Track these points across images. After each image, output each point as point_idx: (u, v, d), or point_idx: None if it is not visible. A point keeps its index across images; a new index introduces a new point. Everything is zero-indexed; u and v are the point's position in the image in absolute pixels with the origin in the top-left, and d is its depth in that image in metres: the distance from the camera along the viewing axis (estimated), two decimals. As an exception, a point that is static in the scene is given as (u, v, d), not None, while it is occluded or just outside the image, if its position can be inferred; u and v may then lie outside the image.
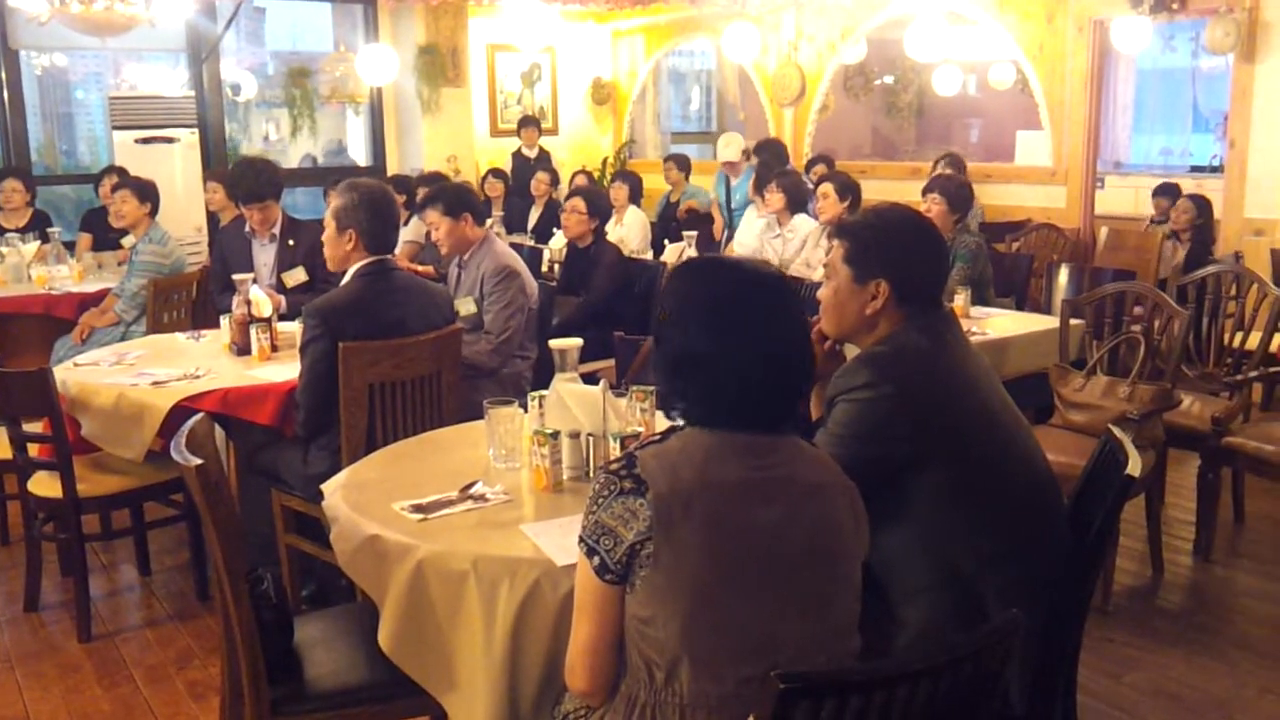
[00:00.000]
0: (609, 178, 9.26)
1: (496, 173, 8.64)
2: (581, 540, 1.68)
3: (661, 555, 1.61)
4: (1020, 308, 5.36)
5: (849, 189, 5.63)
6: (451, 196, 4.28)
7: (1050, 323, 4.48)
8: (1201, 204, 6.62)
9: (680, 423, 1.75)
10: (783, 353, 1.73)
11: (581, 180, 8.28)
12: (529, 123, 9.62)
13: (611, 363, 4.37)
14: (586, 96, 10.87)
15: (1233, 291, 4.81)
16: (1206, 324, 4.79)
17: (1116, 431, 2.27)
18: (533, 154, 9.39)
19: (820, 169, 7.91)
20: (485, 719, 1.98)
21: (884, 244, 2.22)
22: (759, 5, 8.62)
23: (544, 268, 6.42)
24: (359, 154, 10.08)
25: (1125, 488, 2.10)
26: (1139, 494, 3.80)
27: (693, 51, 12.68)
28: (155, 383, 3.56)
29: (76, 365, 3.91)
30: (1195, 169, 10.06)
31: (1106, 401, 3.74)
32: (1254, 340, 4.57)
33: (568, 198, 6.09)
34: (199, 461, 2.08)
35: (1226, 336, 4.74)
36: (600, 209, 5.69)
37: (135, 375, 3.67)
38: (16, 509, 4.03)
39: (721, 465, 1.66)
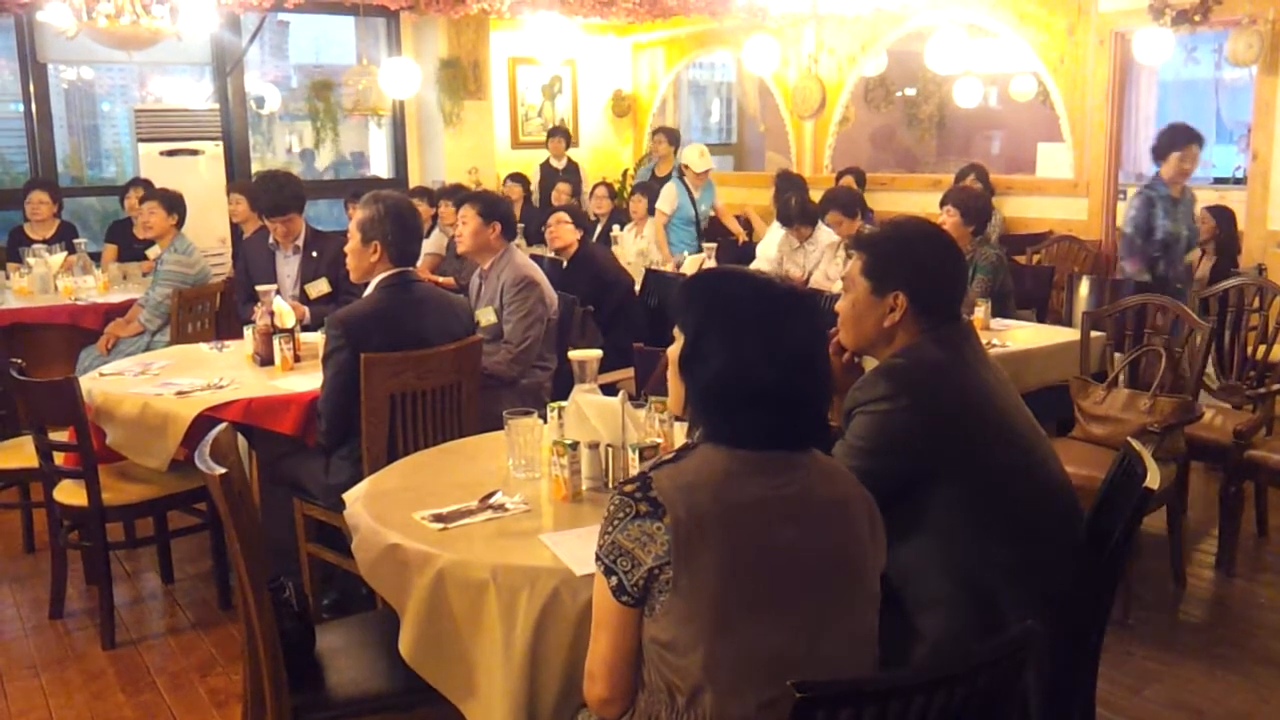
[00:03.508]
0: (629, 190, 9.29)
1: (516, 177, 8.68)
2: (598, 559, 1.68)
3: (681, 581, 1.61)
4: (1041, 320, 5.35)
5: (856, 206, 5.71)
6: (491, 202, 4.35)
7: (1071, 335, 4.47)
8: (1222, 215, 6.59)
9: (695, 439, 1.74)
10: (803, 367, 1.70)
11: (602, 191, 8.31)
12: (557, 133, 9.56)
13: (631, 373, 4.39)
14: (607, 109, 10.91)
15: (1255, 304, 4.79)
16: (1229, 337, 4.77)
17: (1135, 444, 2.27)
18: (561, 165, 9.38)
19: (849, 180, 7.92)
20: (504, 727, 2.00)
21: (902, 257, 2.23)
22: (779, 18, 8.64)
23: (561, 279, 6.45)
24: (381, 166, 10.14)
25: (1144, 500, 2.10)
26: (1160, 507, 3.78)
27: (713, 64, 12.71)
28: (179, 392, 3.60)
29: (102, 375, 3.96)
30: (1218, 180, 9.99)
31: (1127, 414, 3.73)
32: (1277, 353, 4.55)
33: (552, 211, 6.32)
34: (222, 471, 2.10)
35: (1249, 349, 4.71)
36: (582, 222, 5.91)
37: (159, 385, 3.71)
38: (42, 517, 4.08)
39: (739, 486, 1.65)
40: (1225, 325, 4.75)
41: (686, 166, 7.84)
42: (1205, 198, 7.82)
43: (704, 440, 1.72)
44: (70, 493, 3.60)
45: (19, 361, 3.74)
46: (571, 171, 9.28)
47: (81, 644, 3.62)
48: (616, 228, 7.91)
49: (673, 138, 8.85)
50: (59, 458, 3.63)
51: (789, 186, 6.89)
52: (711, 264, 6.24)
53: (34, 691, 3.31)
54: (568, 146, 9.51)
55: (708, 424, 1.72)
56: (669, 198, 7.72)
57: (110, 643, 3.57)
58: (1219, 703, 3.14)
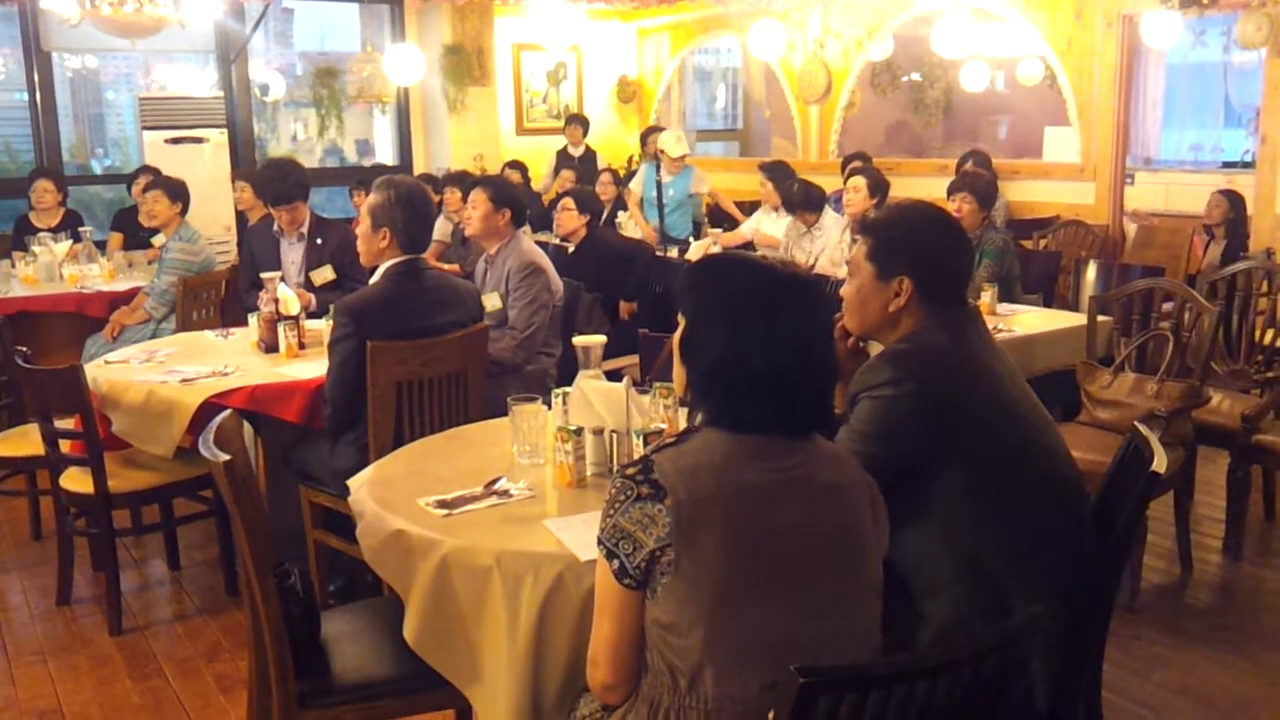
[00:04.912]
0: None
1: (514, 164, 8.68)
2: (600, 542, 1.68)
3: (682, 563, 1.61)
4: (1048, 305, 5.34)
5: (880, 186, 5.63)
6: (503, 188, 4.37)
7: (1078, 319, 4.45)
8: (1234, 199, 6.57)
9: (697, 424, 1.74)
10: (802, 353, 1.70)
11: (607, 178, 8.29)
12: (575, 121, 9.46)
13: (636, 359, 4.39)
14: (612, 95, 10.88)
15: (1264, 288, 4.77)
16: (1237, 321, 4.74)
17: (1142, 428, 2.26)
18: (578, 153, 9.30)
19: (858, 165, 7.89)
20: (509, 711, 2.00)
21: (907, 241, 2.22)
22: (785, 2, 8.61)
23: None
24: (386, 153, 10.13)
25: (1150, 485, 2.09)
26: (1167, 491, 3.77)
27: (718, 49, 12.67)
28: (184, 380, 3.60)
29: (107, 363, 3.96)
30: (1227, 164, 9.95)
31: (1134, 399, 3.72)
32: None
33: (560, 197, 6.30)
34: (227, 457, 2.10)
35: (1257, 333, 4.69)
36: (590, 206, 5.92)
37: (165, 372, 3.71)
38: (49, 504, 4.09)
39: (740, 469, 1.65)
40: (1233, 309, 4.73)
41: (662, 151, 7.80)
42: (1214, 182, 7.81)
43: (705, 424, 1.72)
44: (76, 480, 3.61)
45: (25, 349, 3.74)
46: (588, 159, 9.23)
47: (89, 630, 3.63)
48: (621, 213, 7.91)
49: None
50: (65, 445, 3.64)
51: (784, 176, 6.85)
52: (716, 250, 6.22)
53: (42, 677, 3.32)
54: (585, 134, 9.41)
55: (708, 409, 1.72)
56: (637, 179, 7.99)
57: (117, 629, 3.58)
58: (1226, 689, 3.14)
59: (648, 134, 9.17)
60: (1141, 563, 3.72)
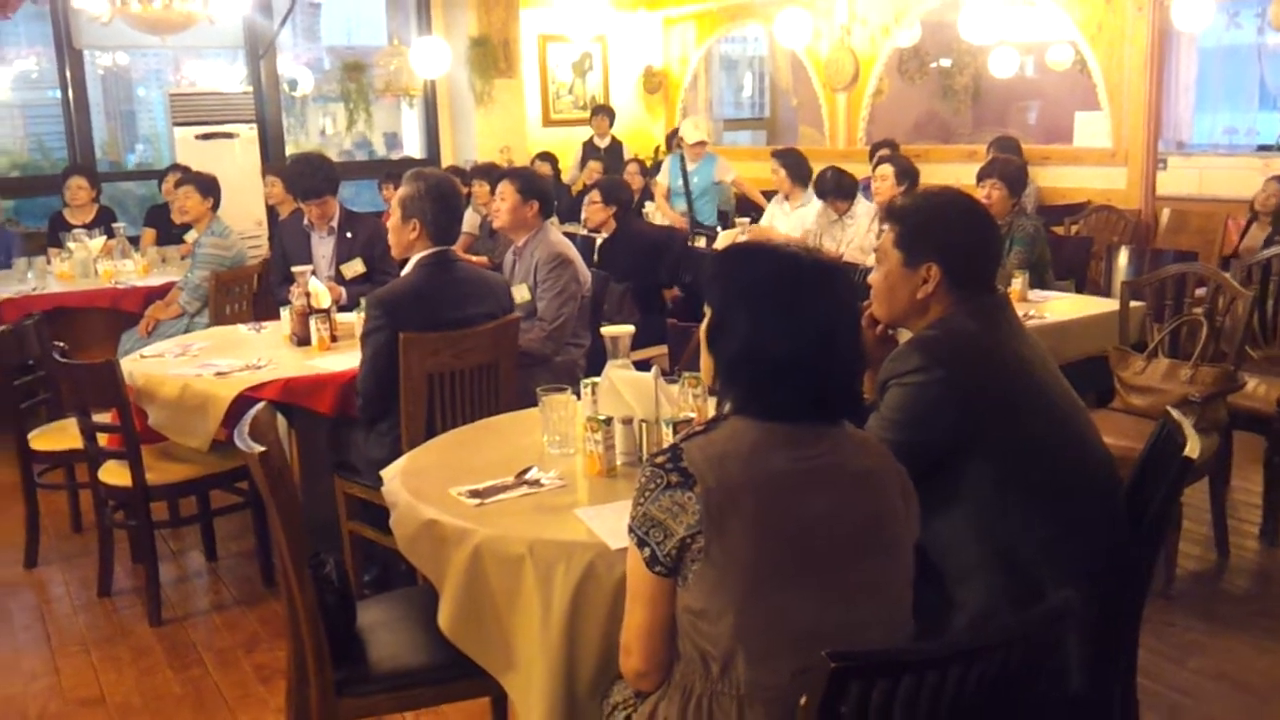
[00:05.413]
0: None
1: (545, 156, 8.70)
2: (631, 531, 1.69)
3: (712, 550, 1.61)
4: (1080, 290, 5.29)
5: (908, 174, 5.58)
6: (531, 179, 4.37)
7: (1110, 305, 4.42)
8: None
9: (725, 412, 1.74)
10: (827, 340, 1.69)
11: (633, 168, 8.29)
12: (601, 111, 9.48)
13: (664, 349, 4.40)
14: (638, 85, 10.86)
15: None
16: (1272, 305, 4.69)
17: (1175, 414, 2.24)
18: (604, 144, 9.28)
19: (885, 153, 7.84)
20: (543, 698, 2.02)
21: (935, 227, 2.21)
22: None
23: (595, 257, 6.45)
24: (414, 146, 10.17)
25: (1184, 470, 2.08)
26: (1201, 477, 3.74)
27: (744, 38, 12.62)
28: (218, 373, 3.64)
29: (143, 357, 4.01)
30: (1262, 148, 9.80)
31: (1168, 384, 3.69)
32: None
33: (588, 189, 6.33)
34: (262, 449, 2.12)
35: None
36: (617, 196, 5.93)
37: (199, 366, 3.76)
38: (88, 498, 4.15)
39: (768, 457, 1.66)
40: (1268, 293, 4.68)
41: (681, 138, 7.84)
42: (1249, 165, 7.71)
43: (733, 413, 1.72)
44: (115, 473, 3.66)
45: (62, 345, 3.80)
46: (614, 150, 9.22)
47: (129, 621, 3.69)
48: (649, 203, 7.92)
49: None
50: (103, 439, 3.68)
51: (796, 161, 6.79)
52: (744, 238, 6.21)
53: (85, 667, 3.38)
54: (611, 125, 9.40)
55: (735, 397, 1.73)
56: (663, 171, 8.05)
57: (157, 620, 3.64)
58: (1265, 675, 3.12)
59: (674, 134, 9.18)
60: (1177, 549, 3.69)
